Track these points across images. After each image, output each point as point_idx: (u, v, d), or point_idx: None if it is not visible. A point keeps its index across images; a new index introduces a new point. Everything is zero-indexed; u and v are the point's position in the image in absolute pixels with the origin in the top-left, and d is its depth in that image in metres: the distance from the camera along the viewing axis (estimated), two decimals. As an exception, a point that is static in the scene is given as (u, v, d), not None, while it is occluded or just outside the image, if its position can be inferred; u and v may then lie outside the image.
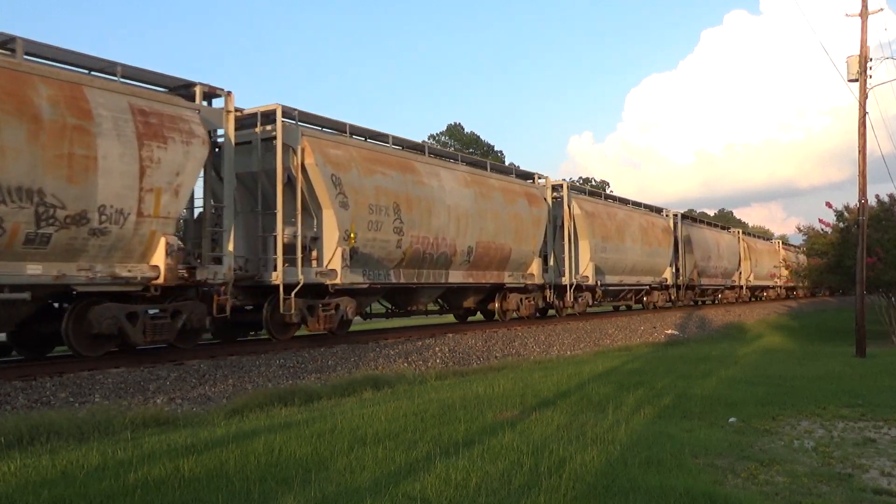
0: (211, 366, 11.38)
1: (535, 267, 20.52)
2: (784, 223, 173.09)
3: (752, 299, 46.78)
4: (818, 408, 8.44)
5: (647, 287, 29.29)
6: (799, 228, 29.05)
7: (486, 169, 19.85)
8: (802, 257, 49.72)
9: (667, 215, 32.22)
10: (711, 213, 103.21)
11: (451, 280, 17.28)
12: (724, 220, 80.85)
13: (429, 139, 64.51)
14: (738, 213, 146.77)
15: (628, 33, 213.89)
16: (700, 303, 38.16)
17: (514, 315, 20.65)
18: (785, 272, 48.25)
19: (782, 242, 55.35)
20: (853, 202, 21.33)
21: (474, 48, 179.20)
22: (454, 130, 67.55)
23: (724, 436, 6.81)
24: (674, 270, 31.33)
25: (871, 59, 17.56)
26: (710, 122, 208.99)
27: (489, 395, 9.04)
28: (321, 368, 12.27)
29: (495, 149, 68.20)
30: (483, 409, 7.93)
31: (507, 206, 19.22)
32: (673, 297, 32.19)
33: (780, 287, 51.24)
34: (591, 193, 26.42)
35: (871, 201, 21.83)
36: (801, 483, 5.21)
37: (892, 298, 23.03)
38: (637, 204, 30.23)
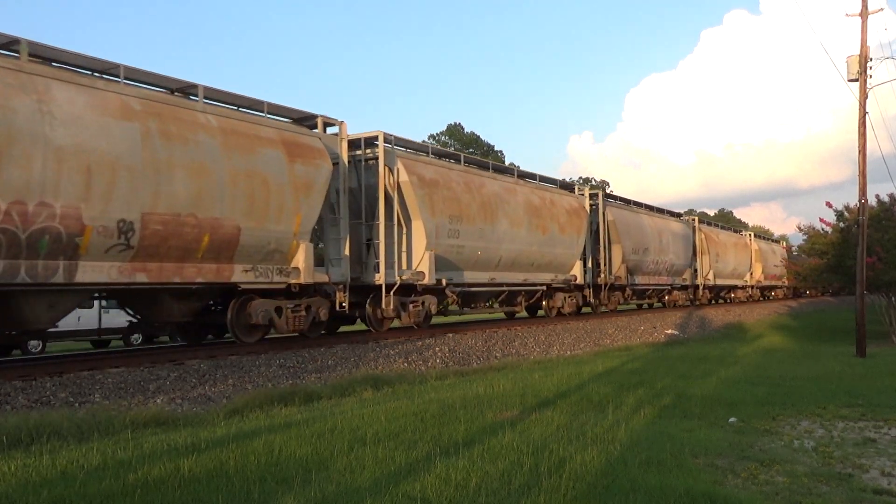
0: (211, 366, 11.39)
1: (302, 258, 13.41)
2: (784, 223, 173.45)
3: (716, 301, 39.70)
4: (818, 408, 8.44)
5: (545, 288, 22.14)
6: (799, 228, 29.10)
7: (195, 98, 11.98)
8: (781, 250, 47.59)
9: (581, 194, 25.09)
10: (711, 212, 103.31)
11: (80, 279, 10.08)
12: (724, 220, 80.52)
13: (429, 139, 64.40)
14: (738, 213, 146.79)
15: (628, 33, 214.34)
16: (646, 306, 31.89)
17: (274, 333, 13.96)
18: (759, 269, 44.47)
19: (754, 235, 47.52)
20: (853, 202, 21.38)
21: (474, 48, 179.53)
22: (454, 130, 67.51)
23: (724, 436, 6.81)
24: (589, 266, 24.47)
25: (871, 59, 17.59)
26: (710, 122, 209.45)
27: (489, 395, 9.04)
28: (321, 368, 12.28)
29: (495, 149, 68.22)
30: (483, 409, 7.93)
31: (232, 159, 11.91)
32: (591, 301, 25.11)
33: (753, 287, 44.51)
34: (441, 155, 18.84)
35: (871, 201, 21.88)
36: (801, 483, 5.21)
37: (893, 298, 23.04)
38: (529, 175, 22.53)
